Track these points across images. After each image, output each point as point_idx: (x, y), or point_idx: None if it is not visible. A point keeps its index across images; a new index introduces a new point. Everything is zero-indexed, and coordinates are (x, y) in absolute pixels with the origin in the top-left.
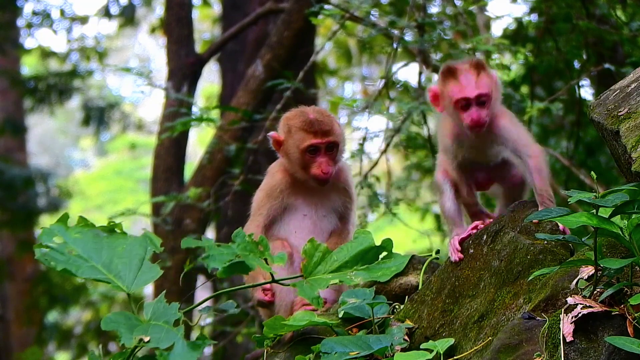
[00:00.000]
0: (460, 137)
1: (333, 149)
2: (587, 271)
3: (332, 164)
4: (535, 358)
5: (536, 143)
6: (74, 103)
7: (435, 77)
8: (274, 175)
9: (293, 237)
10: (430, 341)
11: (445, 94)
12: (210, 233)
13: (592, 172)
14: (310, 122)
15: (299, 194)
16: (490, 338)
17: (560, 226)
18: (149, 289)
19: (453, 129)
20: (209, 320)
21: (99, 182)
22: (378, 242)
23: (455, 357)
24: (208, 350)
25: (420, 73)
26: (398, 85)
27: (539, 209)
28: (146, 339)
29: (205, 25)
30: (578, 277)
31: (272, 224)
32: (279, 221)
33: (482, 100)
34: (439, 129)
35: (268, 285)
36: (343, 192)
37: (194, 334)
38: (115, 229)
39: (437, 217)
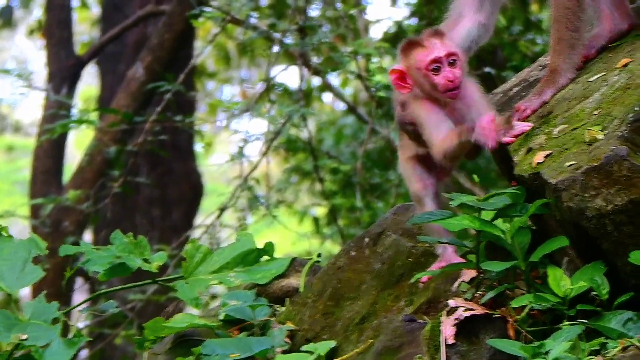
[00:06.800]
0: None
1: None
2: (469, 274)
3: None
4: None
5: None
6: None
7: (315, 79)
8: None
9: None
10: (311, 343)
11: (413, 65)
12: (88, 235)
13: (475, 175)
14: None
15: None
16: (371, 340)
17: None
18: (26, 292)
19: None
20: (87, 322)
21: None
22: (258, 245)
23: None
24: (85, 353)
25: (301, 76)
26: (278, 88)
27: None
28: (24, 337)
29: (83, 27)
30: (460, 280)
31: None
32: None
33: (452, 60)
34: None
35: None
36: None
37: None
38: (2, 232)
39: (316, 220)
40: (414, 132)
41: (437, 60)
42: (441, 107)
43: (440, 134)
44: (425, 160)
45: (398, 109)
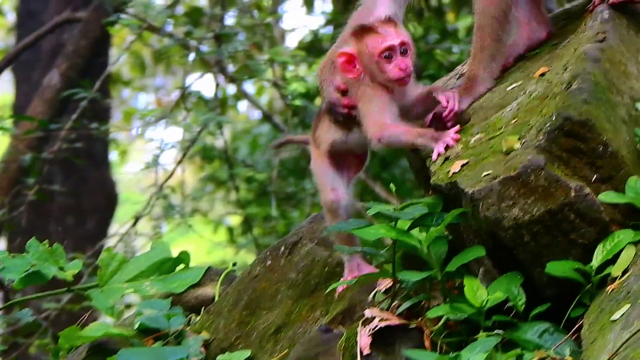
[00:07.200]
0: None
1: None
2: (385, 284)
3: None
4: None
5: None
6: None
7: (231, 88)
8: None
9: None
10: (226, 353)
11: (364, 50)
12: (3, 243)
13: (392, 185)
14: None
15: None
16: (287, 350)
17: None
18: None
19: None
20: (1, 331)
21: None
22: (174, 254)
23: None
24: None
25: (216, 84)
26: (193, 96)
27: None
28: None
29: None
30: (376, 290)
31: None
32: None
33: (404, 49)
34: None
35: None
36: None
37: None
38: None
39: (230, 230)
40: (347, 117)
41: (390, 49)
42: (388, 92)
43: (384, 118)
44: (340, 153)
45: (332, 92)
